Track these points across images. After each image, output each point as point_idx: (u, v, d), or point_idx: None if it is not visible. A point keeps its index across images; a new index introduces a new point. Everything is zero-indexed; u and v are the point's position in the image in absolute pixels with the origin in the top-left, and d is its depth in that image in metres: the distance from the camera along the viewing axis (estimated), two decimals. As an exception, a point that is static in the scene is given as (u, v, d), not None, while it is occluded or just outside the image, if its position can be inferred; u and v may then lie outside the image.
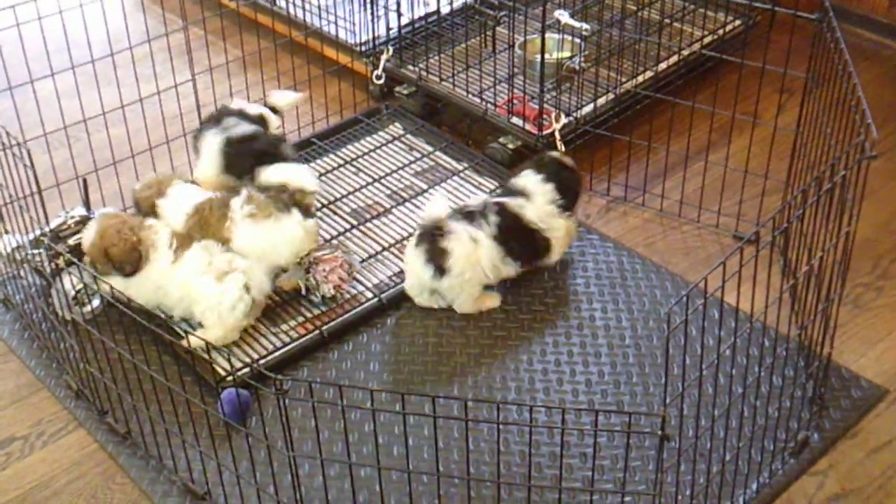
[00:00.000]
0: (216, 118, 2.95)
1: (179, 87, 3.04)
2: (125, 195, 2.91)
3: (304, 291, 2.74)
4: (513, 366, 2.58)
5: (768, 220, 2.15)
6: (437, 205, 2.69)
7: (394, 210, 3.07)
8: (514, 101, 3.25)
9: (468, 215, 2.65)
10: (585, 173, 3.05)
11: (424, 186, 3.16)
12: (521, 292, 2.79)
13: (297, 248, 2.69)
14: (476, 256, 2.63)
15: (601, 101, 3.24)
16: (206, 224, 2.67)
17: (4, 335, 2.73)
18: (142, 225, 2.60)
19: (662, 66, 3.39)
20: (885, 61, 3.76)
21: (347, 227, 3.01)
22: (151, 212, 2.74)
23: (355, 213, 3.07)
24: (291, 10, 3.66)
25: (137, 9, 3.77)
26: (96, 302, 2.68)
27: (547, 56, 3.20)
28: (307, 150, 3.32)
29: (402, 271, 2.83)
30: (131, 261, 2.56)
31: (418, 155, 3.30)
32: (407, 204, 3.09)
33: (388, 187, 3.16)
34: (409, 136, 3.40)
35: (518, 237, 2.68)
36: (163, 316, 2.56)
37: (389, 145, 3.35)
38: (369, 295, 2.76)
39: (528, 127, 3.17)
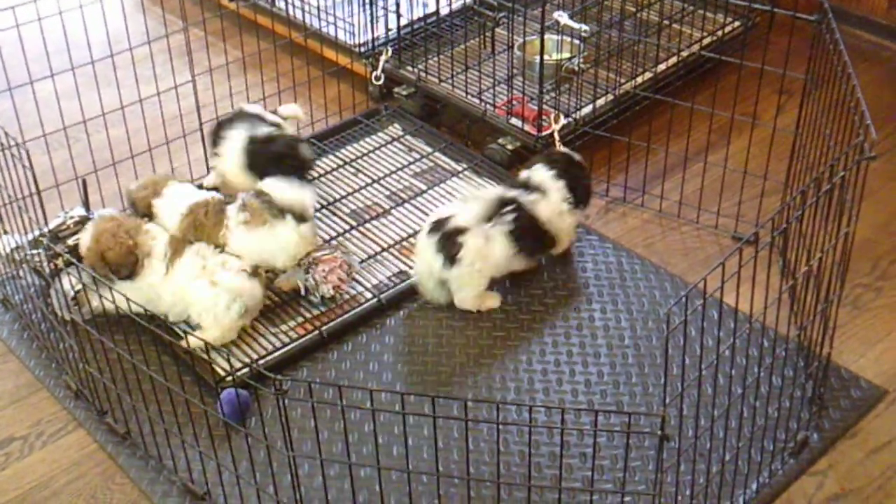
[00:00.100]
0: (236, 118, 2.96)
1: (179, 88, 3.04)
2: (124, 196, 2.91)
3: (303, 292, 2.74)
4: (512, 366, 2.58)
5: (767, 221, 2.15)
6: (454, 206, 2.73)
7: (393, 211, 3.07)
8: (514, 102, 3.25)
9: (485, 209, 2.67)
10: (585, 174, 3.06)
11: (424, 187, 3.16)
12: (520, 293, 2.79)
13: (293, 253, 2.70)
14: (487, 250, 2.64)
15: (600, 102, 3.24)
16: (202, 227, 2.67)
17: (4, 335, 2.73)
18: (139, 229, 2.60)
19: (661, 67, 3.39)
20: (884, 62, 3.76)
21: (347, 227, 3.01)
22: (147, 212, 2.74)
23: (354, 214, 3.07)
24: (291, 12, 3.66)
25: (137, 10, 3.77)
26: (95, 302, 2.68)
27: (546, 57, 3.20)
28: (306, 150, 3.32)
29: (401, 272, 2.84)
30: (127, 265, 2.56)
31: (417, 156, 3.31)
32: (406, 205, 3.09)
33: (387, 188, 3.16)
34: (408, 136, 3.40)
35: (531, 235, 2.70)
36: (161, 317, 2.56)
37: (389, 146, 3.35)
38: (369, 295, 2.77)
39: (527, 128, 3.17)
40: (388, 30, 3.55)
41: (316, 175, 3.20)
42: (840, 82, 2.33)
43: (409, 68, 3.49)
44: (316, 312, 2.72)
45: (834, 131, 2.35)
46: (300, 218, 2.69)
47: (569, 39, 3.44)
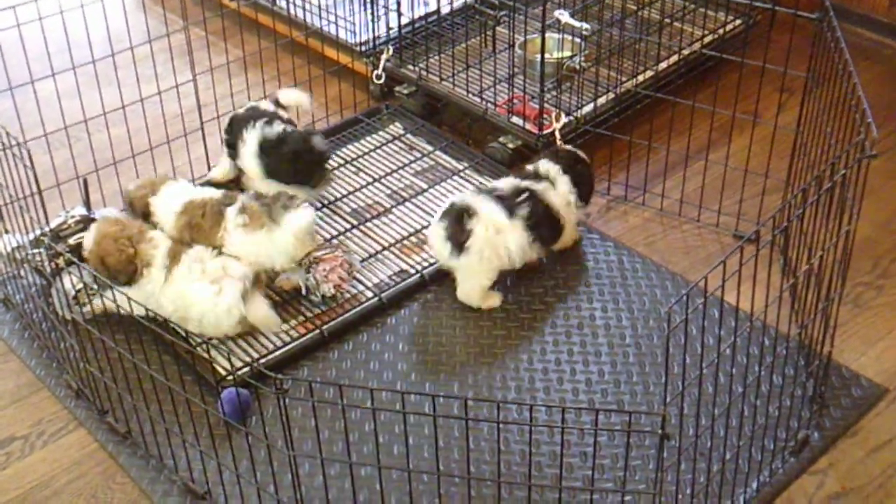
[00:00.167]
0: (252, 118, 2.96)
1: (180, 88, 3.04)
2: (123, 197, 2.90)
3: (304, 291, 2.74)
4: (513, 365, 2.58)
5: (768, 220, 2.15)
6: (467, 195, 2.74)
7: (394, 210, 3.07)
8: (515, 101, 3.25)
9: (500, 199, 2.67)
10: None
11: (424, 186, 3.16)
12: (521, 291, 2.79)
13: (291, 255, 2.69)
14: (498, 241, 2.64)
15: (601, 100, 3.24)
16: (199, 228, 2.67)
17: (5, 335, 2.73)
18: (141, 236, 2.60)
19: (663, 65, 3.38)
20: (885, 61, 3.76)
21: (348, 226, 3.01)
22: (146, 210, 2.74)
23: (355, 213, 3.07)
24: (292, 11, 3.66)
25: (138, 9, 3.77)
26: (96, 301, 2.68)
27: (547, 56, 3.21)
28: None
29: (402, 270, 2.84)
30: (126, 272, 2.56)
31: (418, 154, 3.31)
32: (407, 203, 3.09)
33: (388, 187, 3.16)
34: (409, 135, 3.40)
35: (546, 223, 2.72)
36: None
37: (389, 145, 3.35)
38: (369, 294, 2.77)
39: (528, 126, 3.17)
40: (388, 28, 3.55)
41: (334, 165, 3.20)
42: (841, 80, 2.32)
43: (410, 67, 3.49)
44: (317, 311, 2.72)
45: (835, 129, 2.35)
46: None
47: (570, 38, 3.44)
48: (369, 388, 1.87)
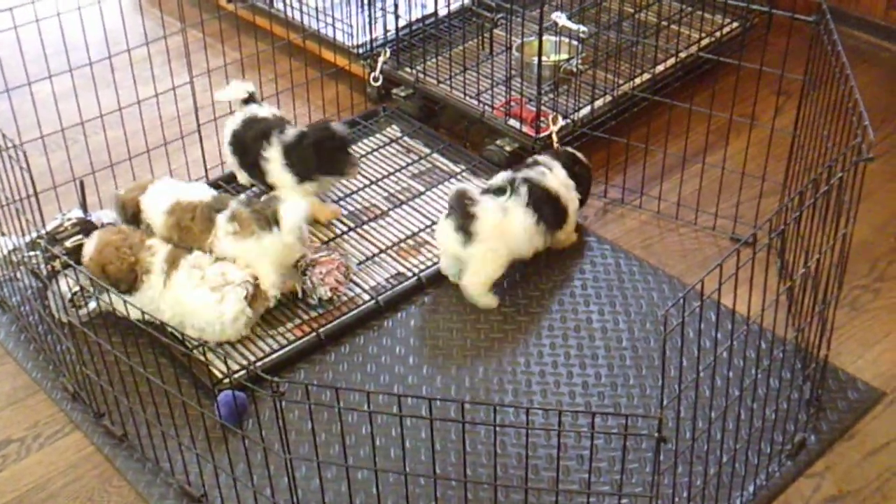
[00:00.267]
0: (261, 133, 2.95)
1: (178, 90, 3.03)
2: (113, 201, 2.89)
3: (300, 294, 2.73)
4: (510, 368, 2.58)
5: (765, 223, 2.16)
6: (467, 185, 2.79)
7: (391, 212, 3.07)
8: (512, 104, 3.25)
9: (497, 191, 2.71)
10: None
11: (422, 188, 3.16)
12: (518, 294, 2.79)
13: (281, 262, 2.68)
14: (505, 225, 2.67)
15: (598, 103, 3.24)
16: (188, 230, 2.67)
17: (1, 337, 2.73)
18: (142, 245, 2.60)
19: (660, 68, 3.39)
20: (882, 63, 3.76)
21: (345, 229, 3.01)
22: (137, 212, 2.74)
23: (352, 216, 3.07)
24: (289, 13, 3.66)
25: (135, 11, 3.78)
26: (92, 304, 2.68)
27: (544, 58, 3.21)
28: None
29: (399, 273, 2.84)
30: (127, 281, 2.56)
31: (416, 157, 3.30)
32: (404, 206, 3.09)
33: (385, 189, 3.16)
34: (406, 138, 3.39)
35: (546, 203, 2.75)
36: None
37: (387, 147, 3.35)
38: (366, 297, 2.76)
39: (525, 129, 3.17)
40: (386, 31, 3.55)
41: (359, 154, 3.22)
42: (838, 83, 2.32)
43: (408, 69, 3.49)
44: (313, 314, 2.72)
45: (832, 132, 2.35)
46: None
47: (567, 40, 3.44)
48: (366, 391, 1.87)
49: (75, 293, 2.62)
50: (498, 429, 2.33)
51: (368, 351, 2.64)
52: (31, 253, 2.65)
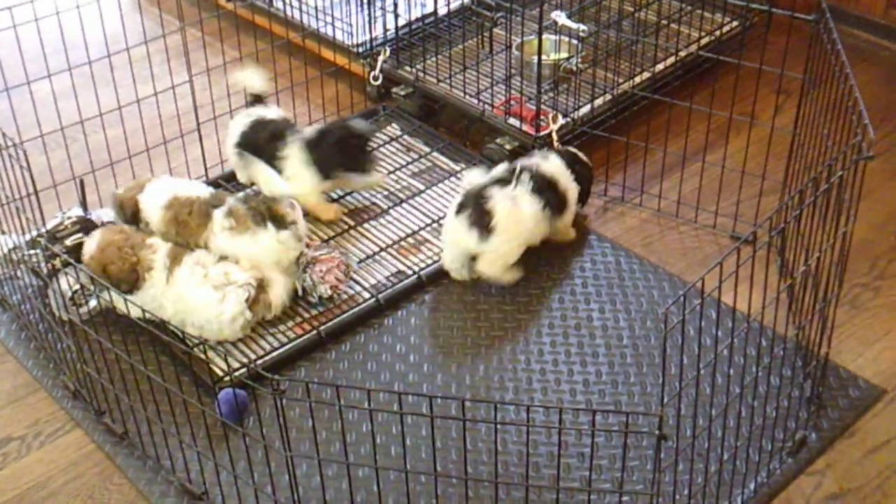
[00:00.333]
0: (276, 133, 2.96)
1: (177, 89, 3.03)
2: (111, 201, 2.89)
3: (301, 292, 2.73)
4: (511, 366, 2.58)
5: (765, 221, 2.16)
6: (474, 175, 2.80)
7: (391, 211, 3.07)
8: (512, 102, 3.25)
9: (500, 181, 2.73)
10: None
11: (422, 187, 3.16)
12: (519, 293, 2.79)
13: (275, 259, 2.68)
14: (517, 214, 2.69)
15: (598, 102, 3.24)
16: (185, 225, 2.68)
17: (1, 336, 2.73)
18: (143, 244, 2.60)
19: (660, 67, 3.39)
20: (881, 62, 3.76)
21: (345, 227, 3.01)
22: (135, 210, 2.74)
23: (353, 214, 3.07)
24: (289, 12, 3.66)
25: (135, 10, 3.77)
26: (93, 302, 2.68)
27: (544, 57, 3.21)
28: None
29: (399, 271, 2.84)
30: (129, 280, 2.56)
31: (416, 156, 3.30)
32: (404, 205, 3.09)
33: (385, 188, 3.16)
34: (406, 136, 3.39)
35: (548, 188, 2.77)
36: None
37: (387, 146, 3.35)
38: (367, 295, 2.76)
39: (525, 128, 3.17)
40: (385, 30, 3.55)
41: (377, 144, 3.24)
42: (838, 82, 2.33)
43: (408, 68, 3.49)
44: (314, 312, 2.72)
45: (832, 131, 2.35)
46: (281, 225, 2.66)
47: (567, 39, 3.44)
48: (367, 389, 1.87)
49: (76, 291, 2.62)
50: (499, 426, 2.33)
51: (369, 349, 2.64)
52: (32, 251, 2.65)
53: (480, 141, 3.31)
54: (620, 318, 2.71)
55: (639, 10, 3.57)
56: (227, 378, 2.45)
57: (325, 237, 2.96)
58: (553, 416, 2.44)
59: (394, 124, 3.46)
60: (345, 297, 2.76)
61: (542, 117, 3.15)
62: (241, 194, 2.79)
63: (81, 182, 2.82)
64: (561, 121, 3.14)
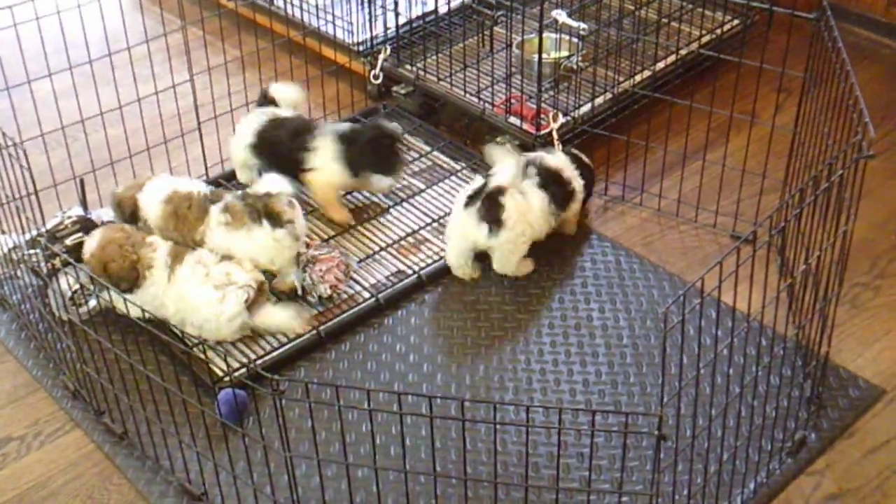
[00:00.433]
0: (301, 128, 2.96)
1: (178, 88, 3.03)
2: (110, 200, 2.89)
3: (300, 291, 2.73)
4: (510, 366, 2.58)
5: (766, 220, 2.15)
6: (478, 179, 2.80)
7: (391, 210, 3.07)
8: (512, 101, 3.24)
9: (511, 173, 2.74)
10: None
11: (422, 186, 3.16)
12: (518, 292, 2.79)
13: (271, 257, 2.68)
14: (526, 207, 2.70)
15: (599, 100, 3.23)
16: (184, 219, 2.68)
17: (1, 335, 2.73)
18: (143, 242, 2.60)
19: (660, 65, 3.39)
20: (882, 60, 3.76)
21: (345, 226, 3.00)
22: (134, 209, 2.74)
23: (353, 213, 3.06)
24: (289, 10, 3.66)
25: (135, 9, 3.77)
26: (93, 302, 2.68)
27: (545, 55, 3.21)
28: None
29: (399, 271, 2.84)
30: (129, 279, 2.56)
31: (416, 154, 3.30)
32: (404, 204, 3.09)
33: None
34: (406, 135, 3.39)
35: (554, 182, 2.78)
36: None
37: (387, 145, 3.35)
38: (366, 295, 2.76)
39: (525, 126, 3.17)
40: (386, 28, 3.54)
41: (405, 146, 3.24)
42: (839, 80, 2.32)
43: (408, 67, 3.49)
44: (314, 312, 2.72)
45: (832, 129, 2.35)
46: (277, 222, 2.66)
47: (567, 38, 3.44)
48: (366, 389, 1.87)
49: (75, 291, 2.62)
50: (498, 426, 2.33)
51: (368, 349, 2.64)
52: (32, 251, 2.65)
53: (481, 139, 3.30)
54: (620, 317, 2.71)
55: (639, 8, 3.57)
56: (226, 378, 2.45)
57: (325, 236, 2.96)
58: (553, 417, 2.44)
59: (394, 123, 3.44)
60: (344, 296, 2.76)
61: (542, 116, 3.14)
62: (239, 192, 2.79)
63: (82, 181, 2.82)
64: (561, 119, 3.14)
